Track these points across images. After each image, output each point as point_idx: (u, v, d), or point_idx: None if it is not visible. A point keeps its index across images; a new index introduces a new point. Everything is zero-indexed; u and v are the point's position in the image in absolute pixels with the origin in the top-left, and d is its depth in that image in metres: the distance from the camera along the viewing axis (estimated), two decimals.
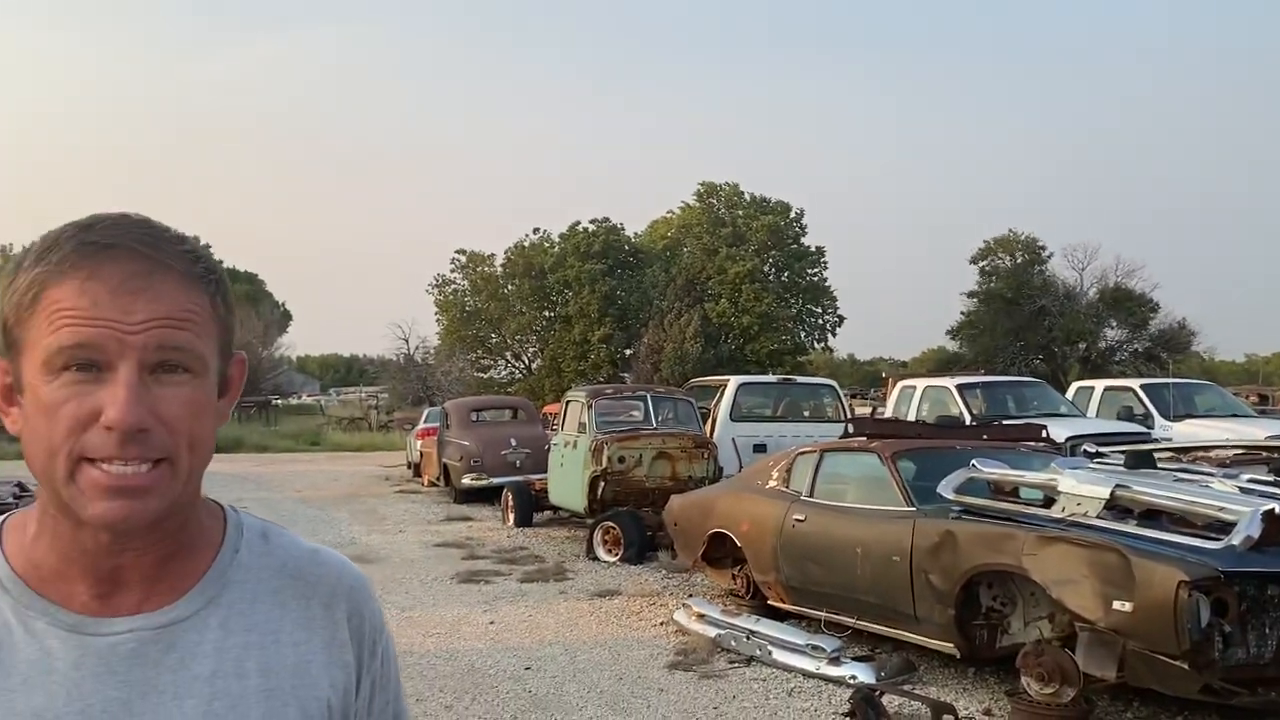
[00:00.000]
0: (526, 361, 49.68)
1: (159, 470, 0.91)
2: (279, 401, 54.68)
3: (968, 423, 11.89)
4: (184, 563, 1.00)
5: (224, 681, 0.97)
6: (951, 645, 5.93)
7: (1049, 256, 47.95)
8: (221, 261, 1.02)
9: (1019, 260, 47.95)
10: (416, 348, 45.33)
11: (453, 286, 49.26)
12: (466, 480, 16.21)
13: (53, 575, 0.96)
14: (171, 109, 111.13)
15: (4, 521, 1.01)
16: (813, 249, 49.35)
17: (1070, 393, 15.74)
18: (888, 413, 15.11)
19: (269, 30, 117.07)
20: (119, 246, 0.91)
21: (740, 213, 48.70)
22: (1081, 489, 5.56)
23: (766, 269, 47.88)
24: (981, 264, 48.69)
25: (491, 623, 8.02)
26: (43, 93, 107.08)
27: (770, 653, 6.69)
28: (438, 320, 48.96)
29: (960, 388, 14.13)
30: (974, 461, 6.37)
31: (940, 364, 46.22)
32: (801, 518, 7.17)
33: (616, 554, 10.78)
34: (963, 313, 48.52)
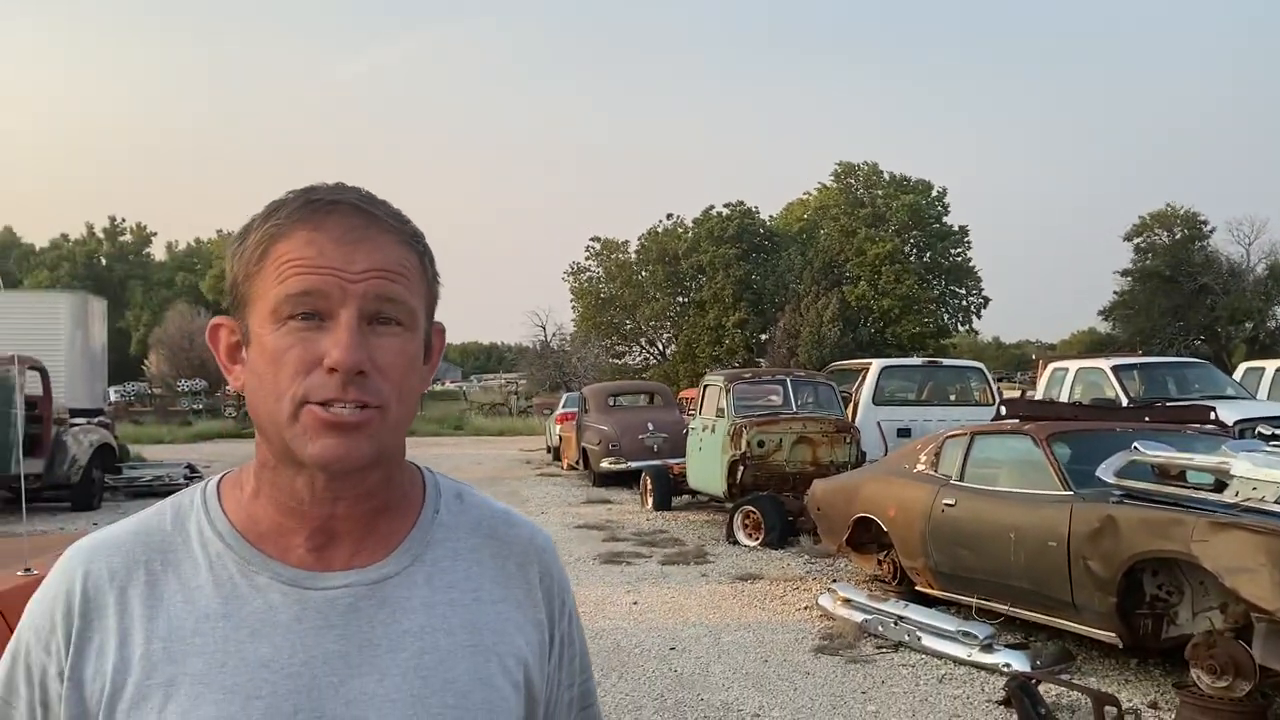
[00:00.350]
0: (661, 347, 49.89)
1: (370, 412, 0.95)
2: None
3: (1125, 406, 11.35)
4: (390, 520, 1.04)
5: (432, 637, 1.01)
6: (1113, 635, 5.69)
7: (1211, 231, 45.41)
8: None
9: (1178, 236, 45.52)
10: (553, 335, 46.09)
11: (588, 274, 49.86)
12: (605, 464, 16.40)
13: (271, 530, 1.01)
14: (319, 107, 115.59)
15: (221, 479, 1.07)
16: (955, 228, 47.97)
17: (1238, 374, 14.84)
18: (1038, 396, 14.56)
19: (409, 29, 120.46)
20: (341, 203, 0.97)
21: (879, 193, 47.69)
22: (1259, 472, 5.24)
23: (907, 250, 46.78)
24: (1137, 240, 46.44)
25: (635, 603, 8.10)
26: (218, 95, 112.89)
27: (919, 639, 6.56)
28: (573, 307, 49.68)
29: (1116, 369, 13.49)
30: (1135, 444, 6.08)
31: (1091, 346, 44.33)
32: (951, 502, 6.99)
33: (757, 538, 10.74)
34: (1116, 292, 46.43)
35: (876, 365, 13.73)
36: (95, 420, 15.97)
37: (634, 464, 15.70)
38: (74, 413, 15.56)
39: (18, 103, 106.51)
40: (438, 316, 1.07)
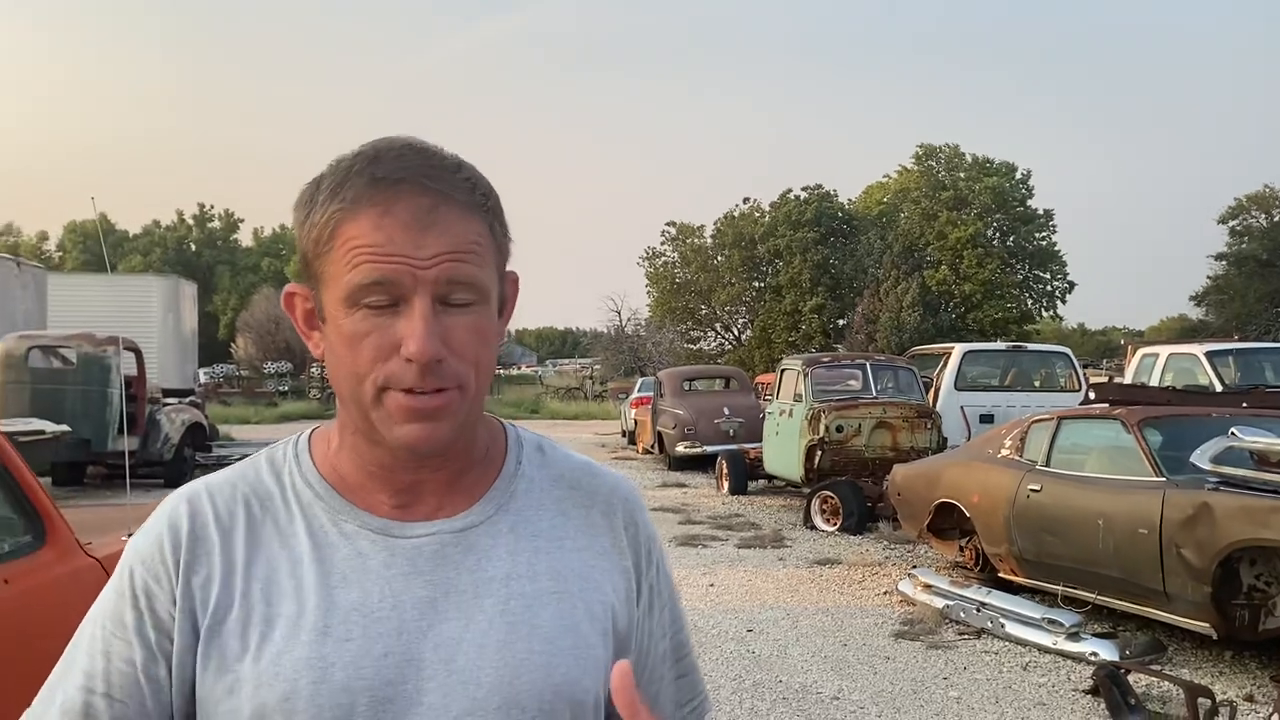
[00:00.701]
0: (736, 333, 49.66)
1: (450, 394, 0.95)
2: (501, 372, 57.16)
3: (1219, 392, 10.97)
4: (473, 475, 1.05)
5: (518, 583, 1.01)
6: (1207, 625, 5.52)
7: None
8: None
9: (1276, 219, 43.80)
10: (628, 320, 46.17)
11: (663, 259, 49.79)
12: (680, 448, 16.42)
13: (356, 485, 1.02)
14: (400, 91, 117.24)
15: (312, 433, 1.09)
16: (1040, 212, 46.82)
17: None
18: (1126, 383, 14.17)
19: (490, 14, 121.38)
20: (407, 182, 0.94)
21: (961, 175, 46.73)
22: None
23: (990, 234, 45.80)
24: (1232, 224, 44.81)
25: (711, 585, 8.09)
26: (301, 83, 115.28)
27: (1003, 625, 6.44)
28: (648, 292, 49.66)
29: (1210, 355, 13.03)
30: (1233, 430, 5.88)
31: (1182, 333, 42.97)
32: (1037, 488, 6.85)
33: (835, 524, 10.65)
34: (1209, 277, 44.87)
35: (959, 350, 13.49)
36: (186, 400, 16.48)
37: (709, 448, 15.69)
38: (166, 393, 16.08)
39: (113, 94, 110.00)
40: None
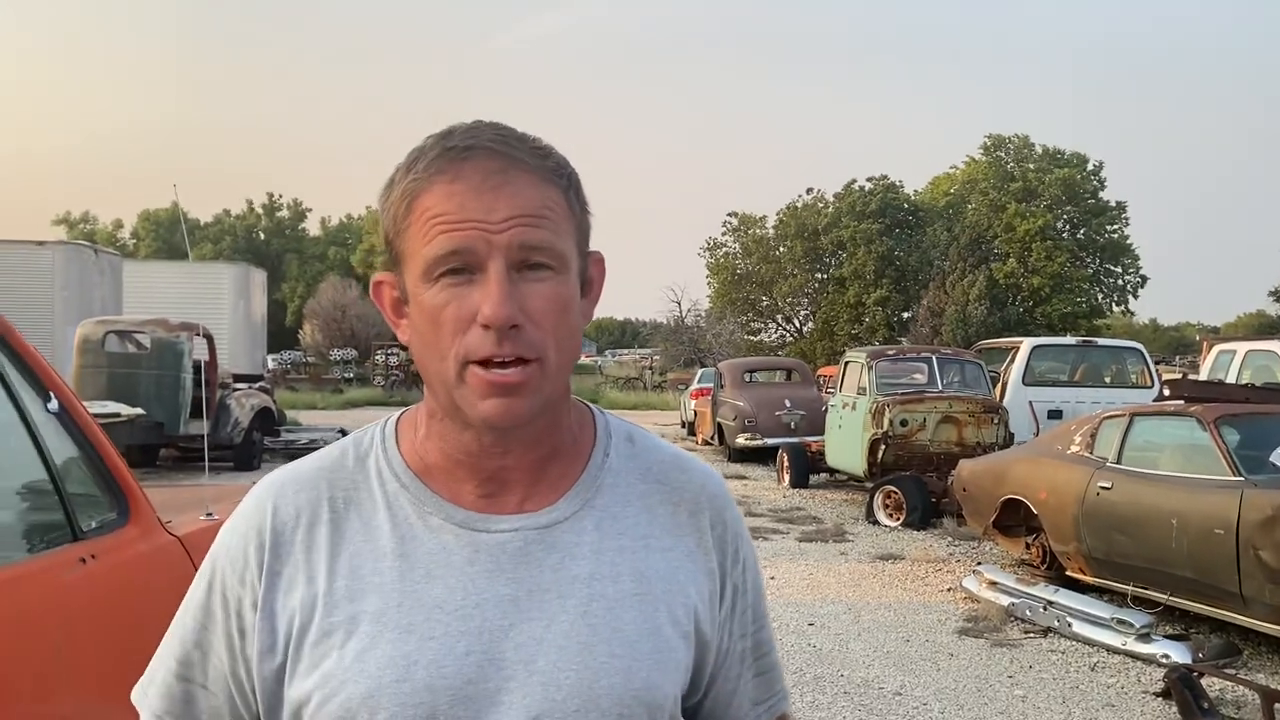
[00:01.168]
0: (798, 324, 49.36)
1: (530, 368, 0.94)
2: None
3: None
4: (560, 465, 1.04)
5: (600, 584, 1.00)
6: None
7: None
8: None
9: None
10: (688, 311, 46.12)
11: (724, 249, 49.63)
12: (741, 440, 16.36)
13: (442, 474, 1.02)
14: (465, 81, 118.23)
15: (399, 418, 1.08)
16: (1112, 204, 45.81)
17: None
18: (1201, 379, 13.81)
19: (557, 3, 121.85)
20: (476, 148, 0.94)
21: (1031, 166, 45.88)
22: None
23: (1060, 226, 44.94)
24: None
25: (772, 578, 8.06)
26: (367, 72, 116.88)
27: (1070, 625, 6.33)
28: (709, 283, 49.55)
29: None
30: None
31: (1260, 328, 41.74)
32: (1108, 485, 6.71)
33: (898, 519, 10.55)
34: None
35: (1028, 344, 13.25)
36: (256, 385, 16.81)
37: (770, 441, 15.61)
38: (237, 378, 16.42)
39: (188, 85, 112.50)
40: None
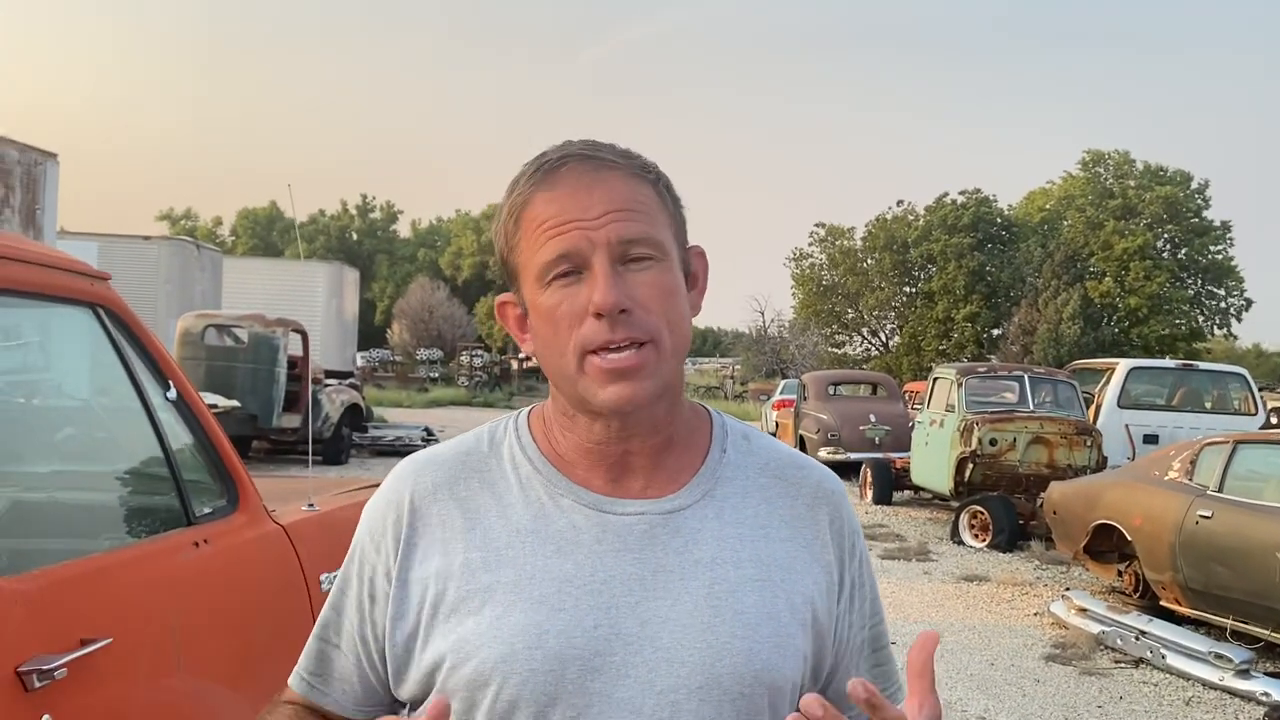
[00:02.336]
0: (884, 338, 48.70)
1: (645, 350, 0.99)
2: None
3: None
4: (679, 457, 1.09)
5: (722, 568, 1.04)
6: None
7: None
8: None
9: None
10: (771, 321, 45.83)
11: (810, 260, 49.22)
12: (823, 453, 16.18)
13: (571, 462, 1.07)
14: (554, 90, 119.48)
15: (530, 411, 1.14)
16: (1216, 224, 44.26)
17: None
18: None
19: (646, 14, 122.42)
20: (568, 158, 1.02)
21: (1131, 183, 44.59)
22: None
23: (1160, 245, 43.57)
24: None
25: None
26: (456, 82, 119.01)
27: (1163, 656, 6.13)
28: (793, 294, 49.14)
29: None
30: None
31: None
32: (1208, 514, 6.48)
33: (984, 540, 10.34)
34: None
35: (1124, 366, 12.87)
36: (346, 382, 17.22)
37: (854, 455, 15.43)
38: (327, 374, 16.83)
39: (285, 89, 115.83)
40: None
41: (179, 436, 2.17)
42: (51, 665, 1.51)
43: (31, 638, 1.52)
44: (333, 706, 1.11)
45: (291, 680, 1.14)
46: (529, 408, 1.15)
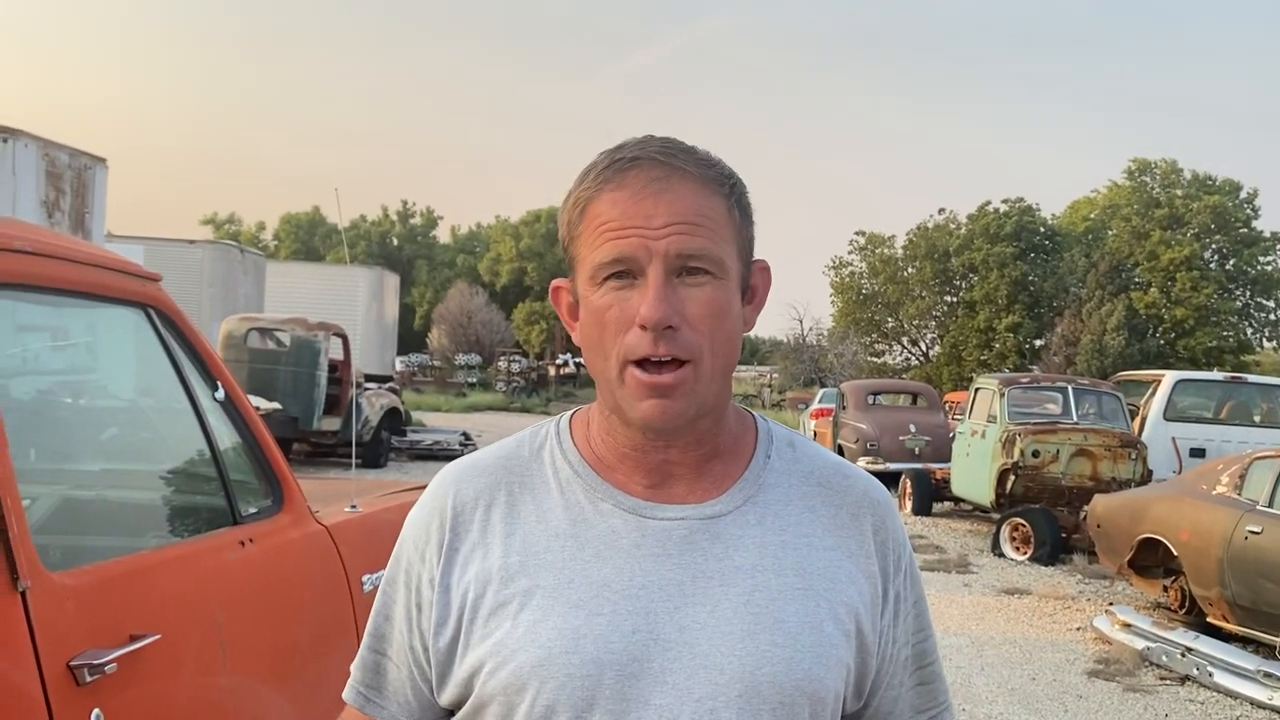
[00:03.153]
0: (924, 347, 48.28)
1: (684, 370, 0.98)
2: None
3: None
4: (723, 464, 1.07)
5: (763, 575, 1.02)
6: None
7: None
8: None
9: None
10: (810, 329, 45.58)
11: (850, 268, 48.93)
12: (862, 463, 16.05)
13: (612, 466, 1.06)
14: (593, 100, 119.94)
15: (572, 416, 1.14)
16: (1267, 235, 43.47)
17: None
18: None
19: (682, 24, 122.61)
20: (641, 158, 1.00)
21: (1178, 192, 43.89)
22: None
23: (1207, 256, 42.84)
24: None
25: None
26: (496, 91, 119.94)
27: (1210, 674, 6.01)
28: (832, 302, 48.85)
29: None
30: None
31: None
32: (1258, 530, 6.36)
33: (1025, 552, 10.22)
34: None
35: (1170, 378, 12.66)
36: (385, 386, 17.34)
37: (893, 466, 15.30)
38: (367, 378, 16.97)
39: (328, 95, 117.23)
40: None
41: (226, 437, 2.20)
42: (102, 660, 1.53)
43: (83, 633, 1.55)
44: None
45: (346, 694, 1.14)
46: (572, 411, 1.14)
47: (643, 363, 0.97)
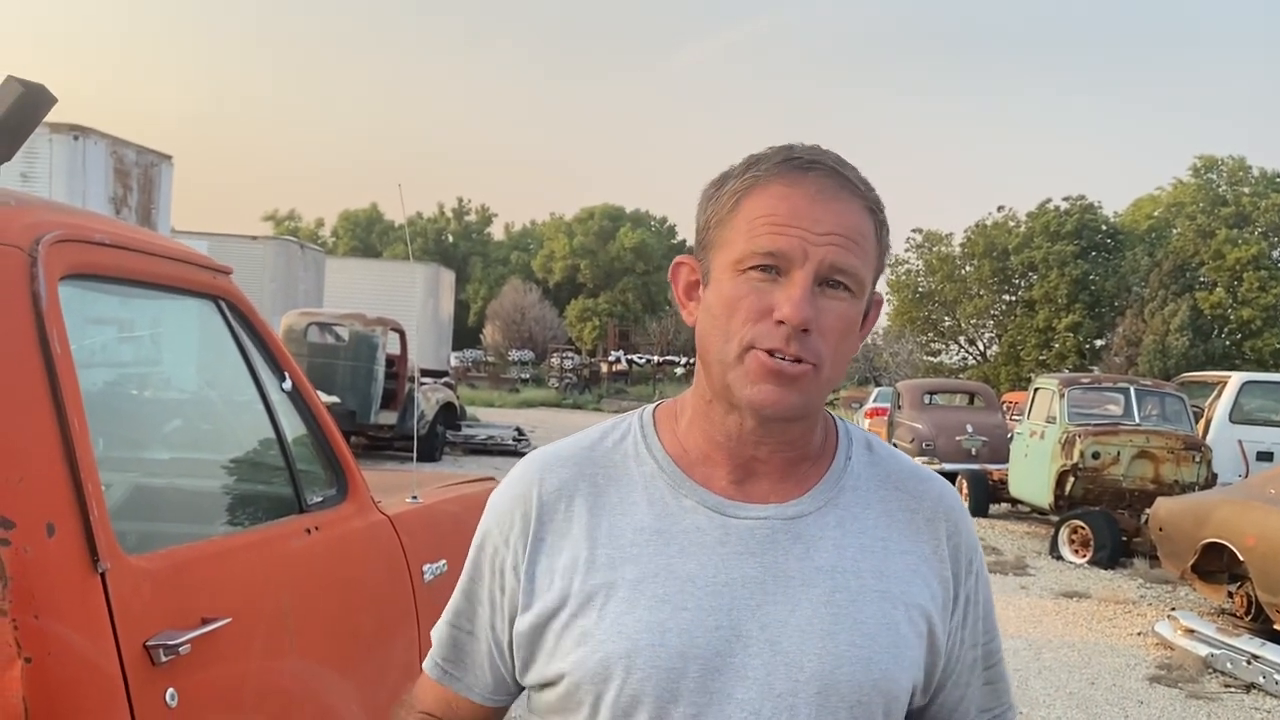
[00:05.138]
0: (981, 347, 47.67)
1: (807, 367, 0.99)
2: None
3: None
4: (806, 466, 1.09)
5: (843, 577, 1.04)
6: None
7: None
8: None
9: None
10: None
11: (906, 266, 48.44)
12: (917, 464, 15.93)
13: (698, 459, 1.08)
14: (646, 97, 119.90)
15: (656, 408, 1.15)
16: None
17: None
18: None
19: (730, 23, 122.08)
20: (820, 164, 1.02)
21: (1246, 190, 42.85)
22: None
23: (1276, 255, 41.77)
24: None
25: None
26: (551, 91, 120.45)
27: (1277, 682, 5.87)
28: (888, 300, 48.42)
29: None
30: None
31: None
32: None
33: (1084, 556, 10.05)
34: None
35: (1237, 379, 12.37)
36: (441, 380, 17.52)
37: (949, 466, 15.11)
38: (423, 372, 17.15)
39: (385, 93, 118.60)
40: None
41: (293, 427, 2.24)
42: (176, 641, 1.57)
43: (158, 614, 1.59)
44: (465, 693, 1.14)
45: (426, 665, 1.17)
46: (656, 404, 1.16)
47: (769, 353, 0.99)
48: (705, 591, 1.01)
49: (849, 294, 1.01)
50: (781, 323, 0.98)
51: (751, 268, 1.00)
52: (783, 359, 0.98)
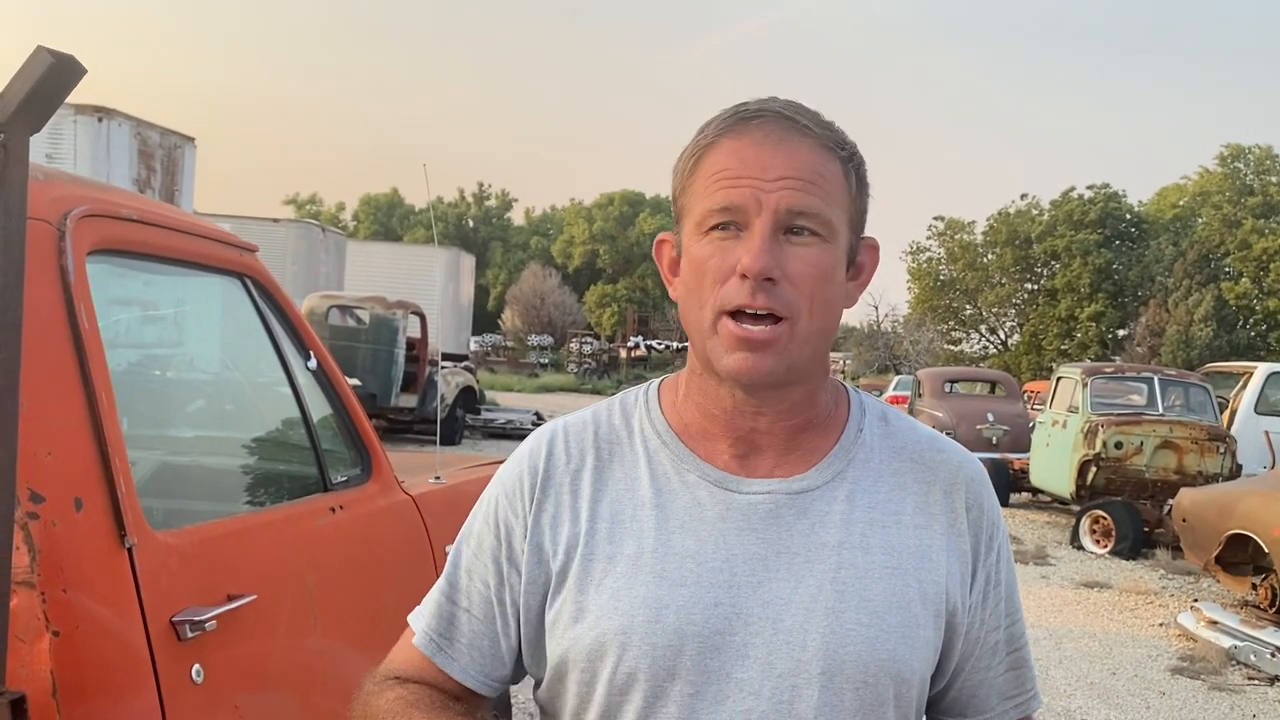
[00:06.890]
0: (1003, 336, 47.41)
1: (780, 327, 0.96)
2: None
3: None
4: (813, 437, 1.05)
5: (849, 553, 1.00)
6: None
7: None
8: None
9: None
10: (886, 315, 45.02)
11: (927, 254, 48.18)
12: None
13: (699, 433, 1.05)
14: (665, 84, 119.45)
15: (661, 382, 1.13)
16: None
17: None
18: None
19: (756, 8, 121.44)
20: (765, 112, 0.99)
21: (1273, 179, 42.39)
22: None
23: None
24: None
25: None
26: (573, 76, 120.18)
27: None
28: (909, 288, 48.21)
29: None
30: None
31: None
32: None
33: (1105, 546, 9.98)
34: None
35: (1262, 370, 12.24)
36: (460, 364, 17.57)
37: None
38: (443, 356, 17.20)
39: (407, 78, 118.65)
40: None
41: (318, 406, 2.24)
42: (203, 617, 1.57)
43: (184, 590, 1.59)
44: (459, 674, 1.08)
45: (418, 640, 1.10)
46: (661, 378, 1.13)
47: (737, 314, 0.96)
48: (705, 568, 0.99)
49: (816, 238, 0.97)
50: (744, 276, 0.94)
51: (712, 228, 0.97)
52: (755, 319, 0.95)
